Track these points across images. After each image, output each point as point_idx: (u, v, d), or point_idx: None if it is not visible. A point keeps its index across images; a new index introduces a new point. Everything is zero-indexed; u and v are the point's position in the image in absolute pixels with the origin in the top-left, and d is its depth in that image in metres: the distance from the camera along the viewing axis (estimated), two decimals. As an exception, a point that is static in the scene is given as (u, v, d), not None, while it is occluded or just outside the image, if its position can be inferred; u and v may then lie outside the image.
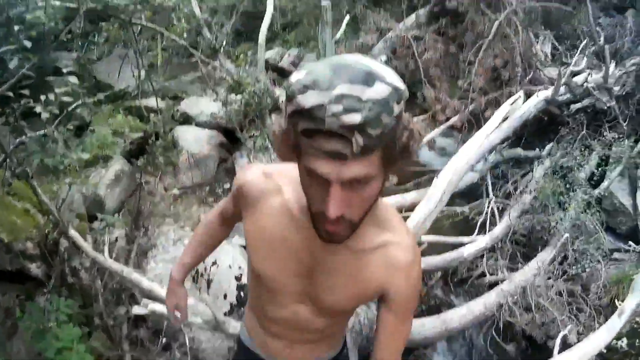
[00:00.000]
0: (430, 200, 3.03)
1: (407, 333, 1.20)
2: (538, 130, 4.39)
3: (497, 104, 4.34)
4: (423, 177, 4.60)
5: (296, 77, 0.81)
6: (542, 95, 3.91)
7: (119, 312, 3.17)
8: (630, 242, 3.15)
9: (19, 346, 2.20)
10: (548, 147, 4.08)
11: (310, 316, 1.18)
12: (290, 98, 0.81)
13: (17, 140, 2.47)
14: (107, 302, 3.13)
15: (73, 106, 3.34)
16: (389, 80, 0.80)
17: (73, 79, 2.70)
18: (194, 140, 4.81)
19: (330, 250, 1.04)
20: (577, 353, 2.29)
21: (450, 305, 3.70)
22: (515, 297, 2.95)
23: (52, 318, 2.65)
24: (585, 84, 4.00)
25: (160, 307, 2.52)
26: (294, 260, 1.10)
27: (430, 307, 3.60)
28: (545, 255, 3.19)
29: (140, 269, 3.56)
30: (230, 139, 4.87)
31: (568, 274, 3.06)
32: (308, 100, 0.78)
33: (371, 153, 0.82)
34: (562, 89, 3.97)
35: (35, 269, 3.07)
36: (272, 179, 1.11)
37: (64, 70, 2.80)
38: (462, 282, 3.62)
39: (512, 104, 3.76)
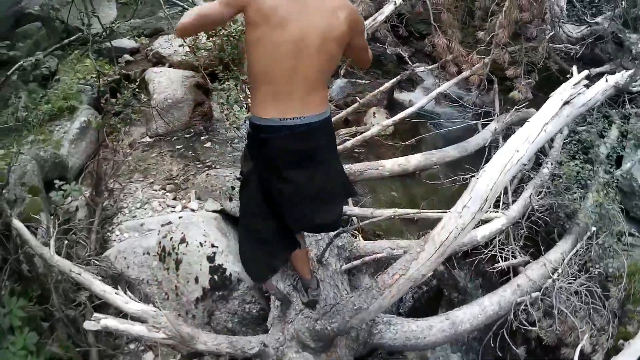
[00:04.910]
0: (468, 209, 2.04)
1: None
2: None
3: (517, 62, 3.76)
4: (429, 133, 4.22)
5: None
6: (612, 80, 3.09)
7: (80, 299, 2.82)
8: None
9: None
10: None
11: None
12: None
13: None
14: (65, 291, 2.75)
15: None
16: None
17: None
18: (167, 83, 4.25)
19: None
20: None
21: (454, 284, 3.36)
22: (532, 296, 2.59)
23: (6, 321, 2.29)
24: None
25: (113, 323, 2.11)
26: None
27: (431, 287, 3.26)
28: (565, 246, 2.83)
29: (103, 241, 3.25)
30: (212, 78, 4.22)
31: (591, 272, 2.73)
32: None
33: None
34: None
35: (-10, 258, 2.69)
36: None
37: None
38: (465, 256, 3.24)
39: (574, 85, 2.92)
